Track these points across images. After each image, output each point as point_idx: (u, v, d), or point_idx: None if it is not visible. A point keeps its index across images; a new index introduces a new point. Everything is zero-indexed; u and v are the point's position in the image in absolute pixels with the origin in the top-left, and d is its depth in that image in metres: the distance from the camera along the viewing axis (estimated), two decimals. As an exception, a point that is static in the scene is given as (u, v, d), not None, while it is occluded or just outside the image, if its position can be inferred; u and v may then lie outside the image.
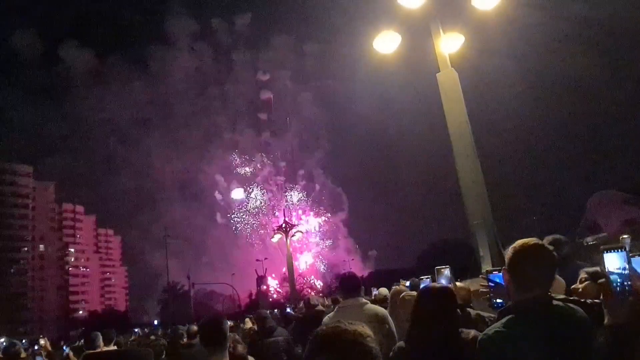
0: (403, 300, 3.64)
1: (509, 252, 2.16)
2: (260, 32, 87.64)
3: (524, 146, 63.16)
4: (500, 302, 2.49)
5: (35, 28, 77.02)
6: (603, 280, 1.99)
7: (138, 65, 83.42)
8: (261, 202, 77.28)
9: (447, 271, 3.92)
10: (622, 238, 4.05)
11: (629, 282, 1.92)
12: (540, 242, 2.17)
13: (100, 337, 5.44)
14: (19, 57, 77.90)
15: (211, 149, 79.15)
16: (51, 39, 78.51)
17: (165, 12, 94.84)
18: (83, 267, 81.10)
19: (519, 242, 2.15)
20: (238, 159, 78.06)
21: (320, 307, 7.01)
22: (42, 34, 76.69)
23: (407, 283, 7.32)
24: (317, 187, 79.36)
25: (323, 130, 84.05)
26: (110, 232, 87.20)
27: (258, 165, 78.78)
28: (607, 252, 1.99)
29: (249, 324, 10.58)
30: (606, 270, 1.97)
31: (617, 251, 1.98)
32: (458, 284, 4.15)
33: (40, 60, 77.06)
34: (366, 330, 1.25)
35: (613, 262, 1.97)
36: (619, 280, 1.94)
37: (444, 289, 2.73)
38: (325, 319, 4.01)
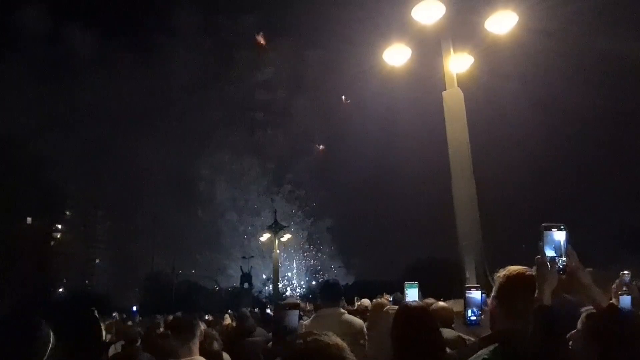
0: (386, 314, 3.60)
1: (500, 279, 2.11)
2: (266, 34, 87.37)
3: (523, 173, 63.31)
4: (474, 320, 2.47)
5: (43, 5, 76.27)
6: (538, 257, 1.96)
7: (139, 53, 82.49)
8: (247, 202, 77.28)
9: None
10: (623, 274, 4.05)
11: (564, 260, 1.93)
12: (533, 273, 2.13)
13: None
14: (24, 32, 77.23)
15: (203, 144, 78.91)
16: (57, 17, 77.82)
17: (172, 3, 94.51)
18: (68, 245, 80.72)
19: (513, 270, 2.11)
20: (229, 157, 77.97)
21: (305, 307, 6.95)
22: (50, 11, 76.01)
23: (390, 297, 7.29)
24: (304, 192, 79.20)
25: (319, 135, 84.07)
26: (100, 213, 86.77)
27: (247, 165, 78.68)
28: (547, 230, 1.98)
29: (227, 319, 10.54)
30: (544, 247, 1.96)
31: (558, 229, 1.99)
32: (440, 303, 4.13)
33: (42, 37, 76.22)
34: (341, 342, 1.23)
35: (552, 239, 1.97)
36: (555, 257, 1.94)
37: (420, 308, 2.70)
38: (301, 325, 3.97)
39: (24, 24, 75.62)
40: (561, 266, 1.93)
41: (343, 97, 79.31)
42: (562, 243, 1.96)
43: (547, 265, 1.92)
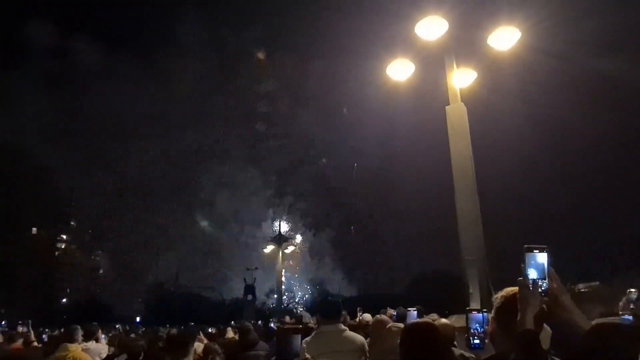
0: (389, 332, 3.59)
1: (498, 300, 2.10)
2: (269, 46, 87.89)
3: (525, 188, 63.10)
4: (477, 344, 2.46)
5: (50, 18, 77.31)
6: (520, 279, 1.93)
7: (143, 66, 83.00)
8: (249, 213, 77.33)
9: (414, 313, 3.98)
10: (630, 292, 4.01)
11: (546, 282, 1.91)
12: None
13: (80, 331, 5.36)
14: (30, 44, 78.19)
15: (205, 155, 79.25)
16: (64, 30, 78.80)
17: (176, 16, 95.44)
18: (72, 255, 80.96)
19: (510, 291, 2.09)
20: (231, 168, 78.23)
21: (311, 325, 6.92)
22: (56, 24, 77.03)
23: (394, 312, 7.26)
24: (305, 204, 79.08)
25: (322, 147, 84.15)
26: (105, 223, 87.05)
27: (249, 176, 78.83)
28: (529, 251, 1.96)
29: (230, 333, 10.49)
30: (526, 269, 1.94)
31: (540, 251, 1.96)
32: (443, 320, 4.12)
33: (48, 49, 77.09)
34: None
35: (535, 261, 1.95)
36: (537, 279, 1.91)
37: (428, 327, 2.69)
38: (302, 343, 3.95)
39: (31, 37, 76.70)
40: (543, 289, 1.90)
41: (345, 109, 79.49)
42: (544, 265, 1.94)
43: (529, 287, 1.89)
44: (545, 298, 1.90)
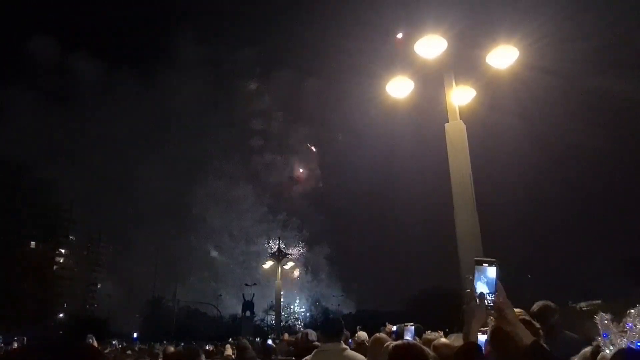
0: (387, 350, 3.55)
1: (492, 322, 2.10)
2: (267, 64, 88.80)
3: (524, 205, 63.08)
4: None
5: (52, 35, 78.35)
6: (468, 291, 1.97)
7: (142, 83, 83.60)
8: (245, 230, 77.16)
9: (412, 328, 3.98)
10: (630, 312, 3.97)
11: (493, 297, 1.92)
12: (525, 316, 2.14)
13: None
14: (30, 61, 79.03)
15: (201, 171, 79.42)
16: (64, 47, 79.72)
17: (174, 34, 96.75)
18: (70, 270, 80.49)
19: None
20: (226, 185, 78.27)
21: (317, 343, 6.81)
22: (57, 42, 78.05)
23: (394, 328, 7.12)
24: (299, 220, 78.87)
25: (317, 164, 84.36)
26: (104, 238, 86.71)
27: (244, 193, 78.81)
28: (479, 264, 1.98)
29: (229, 350, 10.37)
30: (475, 282, 1.96)
31: (490, 265, 1.97)
32: (442, 340, 4.07)
33: (48, 67, 77.93)
34: None
35: (484, 274, 1.96)
36: (485, 293, 1.93)
37: (410, 347, 2.69)
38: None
39: (32, 53, 77.52)
40: (490, 302, 1.92)
41: (339, 136, 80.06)
42: (494, 279, 1.95)
43: (476, 300, 1.92)
44: (492, 311, 1.92)
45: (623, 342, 1.94)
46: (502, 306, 1.91)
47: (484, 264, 1.97)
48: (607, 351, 1.93)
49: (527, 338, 1.86)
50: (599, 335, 1.90)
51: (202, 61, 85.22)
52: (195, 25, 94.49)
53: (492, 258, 2.01)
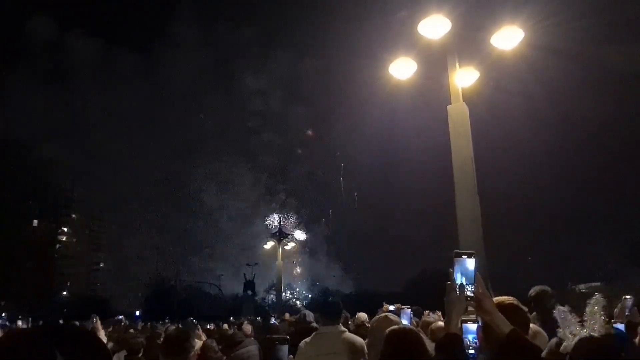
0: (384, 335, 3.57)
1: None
2: (266, 45, 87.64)
3: (528, 188, 62.96)
4: (473, 353, 2.44)
5: (50, 14, 77.56)
6: (449, 282, 2.02)
7: (140, 62, 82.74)
8: (246, 209, 77.41)
9: (409, 311, 4.02)
10: (625, 298, 3.98)
11: (473, 288, 1.97)
12: (514, 302, 2.21)
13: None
14: (28, 40, 78.41)
15: (200, 151, 79.23)
16: (61, 26, 78.95)
17: (172, 13, 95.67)
18: (73, 249, 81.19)
19: (498, 300, 2.16)
20: (224, 165, 78.19)
21: (314, 325, 6.87)
22: (54, 21, 77.25)
23: (391, 307, 7.16)
24: (299, 200, 79.04)
25: (317, 145, 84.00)
26: (106, 217, 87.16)
27: (241, 174, 78.80)
28: (458, 256, 2.02)
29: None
30: (455, 274, 2.00)
31: (468, 257, 2.02)
32: (440, 323, 4.10)
33: (47, 45, 77.24)
34: None
35: (463, 266, 2.01)
36: (465, 284, 1.98)
37: (407, 332, 2.70)
38: (302, 344, 3.94)
39: (31, 33, 76.81)
40: (470, 294, 1.98)
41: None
42: (472, 270, 2.00)
43: (456, 291, 1.98)
44: (472, 302, 1.97)
45: (583, 332, 2.00)
46: (481, 297, 1.97)
47: (463, 256, 2.03)
48: (568, 342, 2.02)
49: (506, 327, 1.91)
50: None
51: (201, 40, 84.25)
52: (194, 4, 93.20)
53: (470, 251, 2.07)
